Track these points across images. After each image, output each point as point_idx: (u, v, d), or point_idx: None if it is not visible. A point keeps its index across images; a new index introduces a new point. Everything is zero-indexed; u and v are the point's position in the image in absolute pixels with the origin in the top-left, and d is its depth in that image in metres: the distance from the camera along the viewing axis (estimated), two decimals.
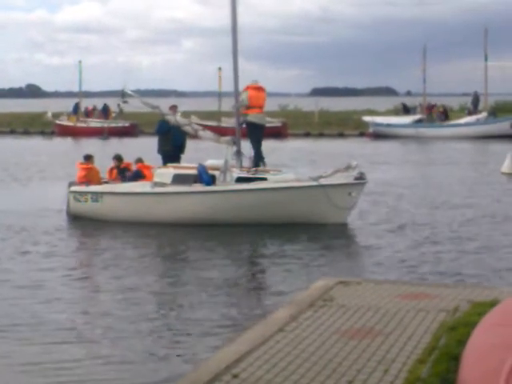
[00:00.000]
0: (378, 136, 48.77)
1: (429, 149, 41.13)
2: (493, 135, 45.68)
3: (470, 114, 52.52)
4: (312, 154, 36.66)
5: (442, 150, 39.25)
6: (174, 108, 19.06)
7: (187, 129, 18.09)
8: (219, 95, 52.49)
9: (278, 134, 46.65)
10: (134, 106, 19.70)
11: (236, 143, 17.48)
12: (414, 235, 15.69)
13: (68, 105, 59.25)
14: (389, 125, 50.35)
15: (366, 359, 6.49)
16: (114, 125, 53.52)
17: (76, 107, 56.79)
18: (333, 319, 7.71)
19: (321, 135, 51.78)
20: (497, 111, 53.45)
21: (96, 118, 56.55)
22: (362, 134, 50.66)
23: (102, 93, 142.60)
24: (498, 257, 13.57)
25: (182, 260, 14.07)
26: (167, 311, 10.47)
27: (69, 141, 48.21)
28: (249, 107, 18.00)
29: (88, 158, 18.74)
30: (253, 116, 18.09)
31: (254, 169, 17.59)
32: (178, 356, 8.66)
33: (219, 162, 17.16)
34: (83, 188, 17.86)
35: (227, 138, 17.54)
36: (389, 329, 7.35)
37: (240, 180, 17.00)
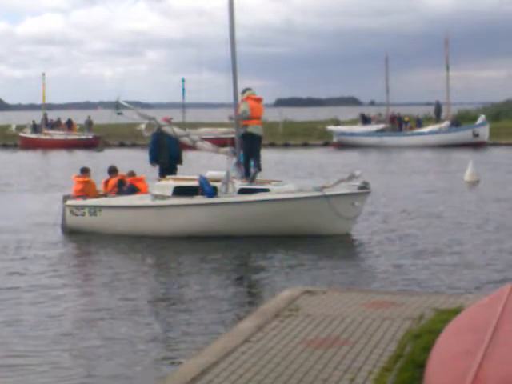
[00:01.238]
0: (343, 145, 49.05)
1: (393, 158, 41.41)
2: (455, 144, 46.18)
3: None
4: (279, 164, 36.66)
5: (406, 158, 39.57)
6: (168, 120, 18.86)
7: (185, 140, 17.84)
8: (183, 106, 52.52)
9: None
10: (129, 117, 19.40)
11: (236, 154, 17.29)
12: (393, 246, 15.62)
13: (31, 117, 58.94)
14: (353, 134, 50.68)
15: (332, 368, 6.48)
16: (77, 137, 53.35)
17: (45, 120, 56.67)
18: (299, 329, 7.70)
19: (286, 145, 51.91)
20: (460, 120, 54.07)
21: (61, 130, 56.33)
22: (326, 144, 50.91)
23: (65, 105, 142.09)
24: (470, 266, 13.60)
25: (177, 274, 13.71)
26: (144, 328, 10.24)
27: (33, 153, 47.73)
28: (249, 118, 17.78)
29: (85, 171, 18.22)
30: (253, 127, 17.84)
31: (254, 171, 17.34)
32: (145, 372, 8.58)
33: (219, 174, 16.94)
34: (80, 202, 17.42)
35: (227, 149, 17.40)
36: (355, 337, 7.36)
37: (242, 191, 16.77)
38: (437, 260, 14.15)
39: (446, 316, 7.30)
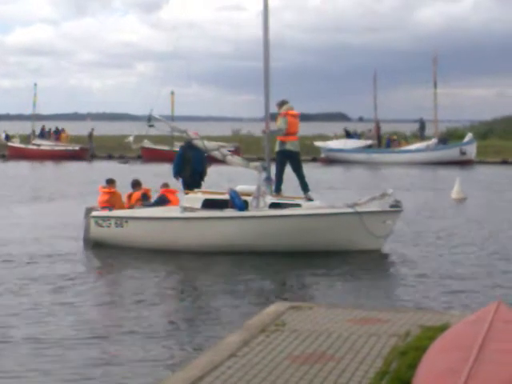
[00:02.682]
0: (331, 161, 49.14)
1: (381, 174, 41.51)
2: (442, 161, 46.34)
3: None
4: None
5: (393, 175, 39.64)
6: (196, 134, 18.72)
7: (216, 154, 17.65)
8: (172, 119, 52.52)
9: None
10: (161, 130, 19.27)
11: (266, 169, 17.17)
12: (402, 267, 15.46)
13: (19, 128, 58.92)
14: (341, 150, 50.81)
15: None
16: (63, 148, 53.27)
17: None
18: (285, 344, 7.69)
19: (274, 160, 51.84)
20: (448, 137, 54.25)
21: (49, 140, 56.25)
22: (314, 159, 50.96)
23: (53, 116, 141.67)
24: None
25: (199, 290, 13.35)
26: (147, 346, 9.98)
27: (24, 164, 47.30)
28: (286, 134, 17.69)
29: (110, 182, 17.88)
30: (290, 144, 17.79)
31: (305, 196, 17.30)
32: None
33: (250, 188, 16.78)
34: (107, 213, 17.02)
35: (257, 164, 17.35)
36: (340, 353, 7.35)
37: (273, 206, 16.54)
38: (440, 281, 13.99)
39: (432, 333, 7.30)
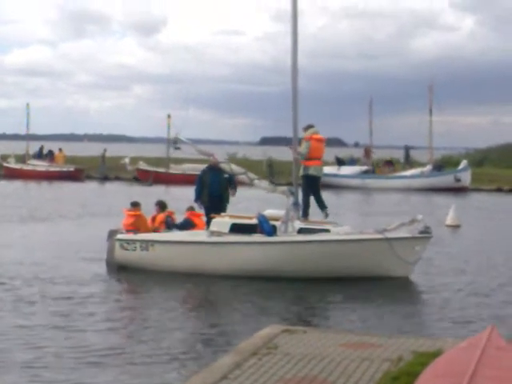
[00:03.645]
0: (325, 186, 49.08)
1: (375, 200, 41.48)
2: (437, 188, 46.41)
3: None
4: (264, 202, 36.56)
5: (387, 201, 39.64)
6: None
7: (243, 178, 17.53)
8: (168, 142, 52.59)
9: None
10: (188, 152, 19.20)
11: (293, 194, 16.97)
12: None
13: (15, 147, 58.87)
14: (335, 175, 50.86)
15: None
16: (58, 169, 53.20)
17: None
18: (277, 367, 7.67)
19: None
20: (443, 164, 54.34)
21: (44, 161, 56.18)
22: None
23: (50, 136, 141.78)
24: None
25: (219, 319, 12.92)
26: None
27: (19, 184, 46.98)
28: (310, 158, 17.60)
29: (135, 205, 17.70)
30: (313, 169, 17.75)
31: (325, 214, 17.36)
32: None
33: (278, 212, 16.59)
34: (132, 236, 16.88)
35: (284, 189, 17.21)
36: (333, 378, 7.34)
37: (302, 231, 16.33)
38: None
39: (424, 359, 7.30)
